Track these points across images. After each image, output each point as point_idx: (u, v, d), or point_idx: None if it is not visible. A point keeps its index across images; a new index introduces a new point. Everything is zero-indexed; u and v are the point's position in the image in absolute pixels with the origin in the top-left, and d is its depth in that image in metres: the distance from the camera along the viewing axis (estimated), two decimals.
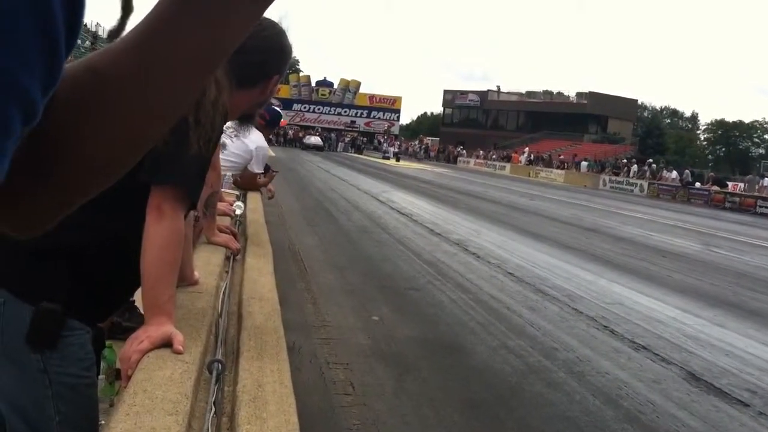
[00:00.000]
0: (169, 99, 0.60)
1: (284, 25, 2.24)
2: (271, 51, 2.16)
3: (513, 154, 63.43)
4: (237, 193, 5.65)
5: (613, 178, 45.85)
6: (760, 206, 32.00)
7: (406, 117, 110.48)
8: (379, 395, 4.44)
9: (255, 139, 5.91)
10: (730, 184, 41.40)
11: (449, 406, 4.44)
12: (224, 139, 5.64)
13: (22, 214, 0.60)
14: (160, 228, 1.83)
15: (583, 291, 8.34)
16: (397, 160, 57.14)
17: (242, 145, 5.74)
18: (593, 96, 76.20)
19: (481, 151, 68.06)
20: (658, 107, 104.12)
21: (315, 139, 68.44)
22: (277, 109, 6.83)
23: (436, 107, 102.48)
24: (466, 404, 4.53)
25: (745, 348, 6.40)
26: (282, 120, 6.56)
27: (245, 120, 2.44)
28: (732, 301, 8.68)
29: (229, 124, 5.98)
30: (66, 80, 0.56)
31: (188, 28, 0.57)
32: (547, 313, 7.05)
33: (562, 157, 59.27)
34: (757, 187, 37.95)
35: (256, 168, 6.12)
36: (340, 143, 71.37)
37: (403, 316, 6.58)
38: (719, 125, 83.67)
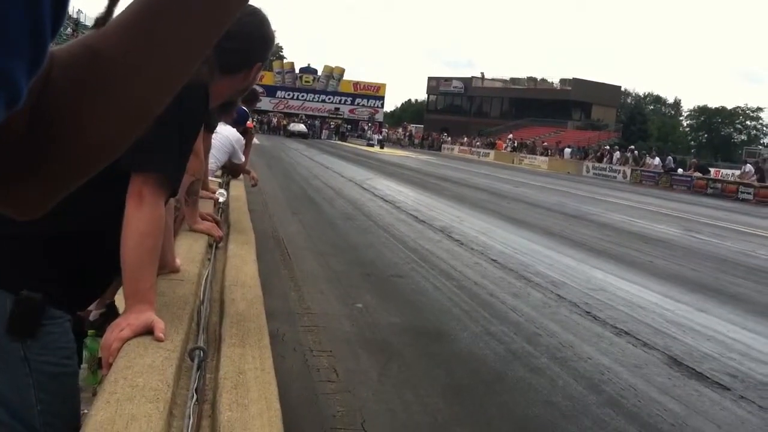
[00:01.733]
0: (165, 77, 0.61)
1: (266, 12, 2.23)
2: (254, 38, 2.16)
3: (497, 141, 63.49)
4: (220, 180, 5.65)
5: (597, 164, 46.03)
6: (742, 192, 32.22)
7: (391, 104, 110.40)
8: (363, 382, 4.46)
9: (231, 133, 6.05)
10: (712, 170, 41.66)
11: (433, 393, 4.46)
12: None
13: (21, 196, 0.60)
14: (141, 215, 1.82)
15: (566, 277, 8.38)
16: (382, 147, 57.11)
17: (224, 139, 5.88)
18: (577, 83, 76.38)
19: (466, 138, 68.08)
20: (641, 94, 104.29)
21: (300, 126, 66.95)
22: (245, 110, 6.95)
23: (421, 94, 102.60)
24: (449, 390, 4.56)
25: (726, 333, 6.45)
26: (249, 122, 6.65)
27: (227, 107, 2.43)
28: (713, 287, 8.75)
29: None
30: (64, 60, 0.56)
31: (182, 8, 0.57)
32: (530, 300, 7.09)
33: (545, 143, 59.40)
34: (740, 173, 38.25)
35: (239, 158, 6.29)
36: (324, 130, 71.21)
37: (387, 303, 6.60)
38: (702, 111, 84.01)
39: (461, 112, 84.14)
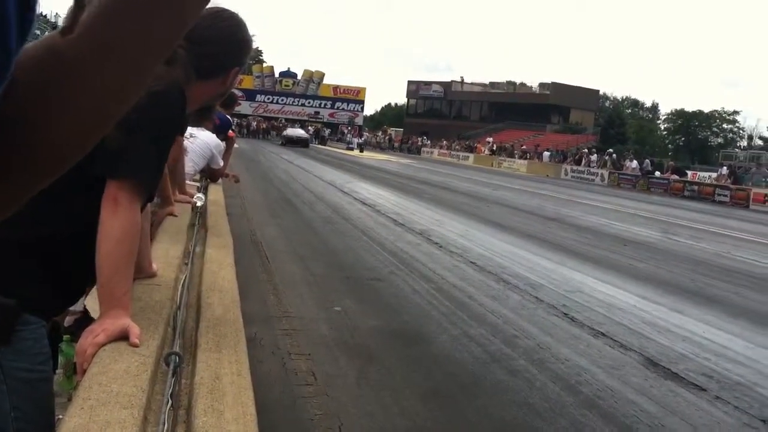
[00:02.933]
0: (127, 78, 0.61)
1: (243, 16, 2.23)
2: (231, 42, 2.16)
3: (476, 145, 63.71)
4: (198, 185, 5.64)
5: (575, 167, 46.31)
6: (718, 194, 32.54)
7: (371, 108, 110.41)
8: (341, 385, 4.46)
9: (210, 138, 6.08)
10: (689, 173, 42.05)
11: (411, 396, 4.47)
12: (184, 142, 5.71)
13: None
14: (116, 221, 1.82)
15: (545, 279, 8.43)
16: (361, 150, 57.06)
17: (203, 144, 5.91)
18: (555, 86, 76.81)
19: (445, 142, 68.27)
20: (619, 97, 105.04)
21: (299, 132, 58.21)
22: (229, 118, 6.99)
23: (400, 98, 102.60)
24: (428, 393, 4.57)
25: (702, 333, 6.52)
26: (230, 131, 6.67)
27: (205, 112, 2.43)
28: (690, 288, 8.83)
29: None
30: (26, 61, 0.57)
31: (141, 9, 0.58)
32: (508, 302, 7.12)
33: (524, 147, 59.71)
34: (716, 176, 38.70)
35: (218, 163, 6.32)
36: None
37: (366, 306, 6.61)
38: (679, 115, 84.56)
39: (441, 115, 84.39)
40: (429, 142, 70.92)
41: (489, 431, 4.13)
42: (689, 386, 4.99)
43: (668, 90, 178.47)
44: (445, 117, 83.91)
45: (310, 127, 72.88)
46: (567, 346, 5.74)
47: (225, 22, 2.13)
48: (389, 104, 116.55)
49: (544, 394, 4.62)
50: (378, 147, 70.57)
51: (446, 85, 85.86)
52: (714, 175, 40.58)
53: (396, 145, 73.44)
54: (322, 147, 61.43)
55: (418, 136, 74.38)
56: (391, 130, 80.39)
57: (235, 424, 1.46)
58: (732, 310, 7.71)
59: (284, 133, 58.75)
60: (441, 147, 66.44)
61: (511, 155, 56.87)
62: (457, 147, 65.23)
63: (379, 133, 79.40)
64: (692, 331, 6.58)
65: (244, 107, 70.66)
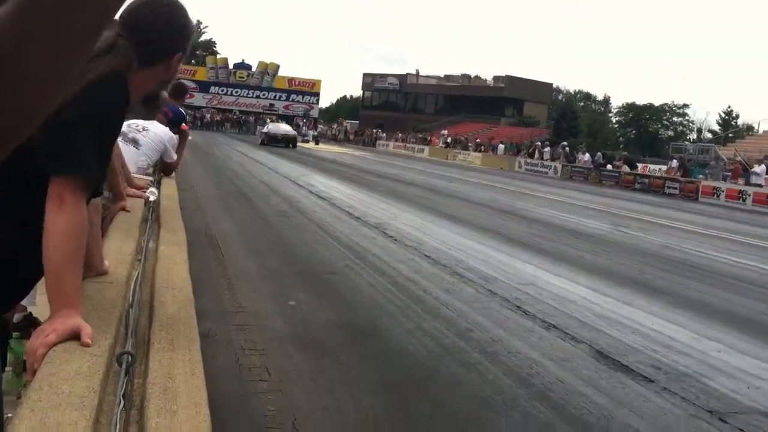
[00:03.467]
0: (48, 72, 0.61)
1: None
2: (172, 28, 2.15)
3: (431, 137, 63.95)
4: (151, 179, 5.59)
5: (529, 160, 46.76)
6: (668, 187, 33.14)
7: (326, 100, 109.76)
8: (296, 381, 4.47)
9: (163, 131, 6.02)
10: (639, 165, 42.71)
11: (366, 390, 4.50)
12: (136, 135, 5.64)
13: None
14: (61, 217, 1.80)
15: (498, 272, 8.52)
16: (317, 143, 56.96)
17: (155, 137, 5.85)
18: (510, 80, 77.47)
19: (400, 134, 68.38)
20: (572, 91, 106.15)
21: (283, 128, 47.52)
22: (183, 112, 6.93)
23: (356, 90, 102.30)
24: (382, 387, 4.60)
25: (651, 325, 6.65)
26: (184, 124, 6.62)
27: (151, 101, 2.41)
28: (639, 280, 9.00)
29: (138, 122, 5.94)
30: None
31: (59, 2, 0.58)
32: (462, 295, 7.19)
33: (479, 140, 60.07)
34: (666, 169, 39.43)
35: (171, 157, 6.27)
36: (258, 127, 70.49)
37: (321, 300, 6.62)
38: (630, 108, 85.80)
39: (396, 108, 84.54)
40: (384, 134, 70.98)
41: (442, 425, 4.18)
42: (638, 378, 5.10)
43: (620, 83, 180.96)
44: (400, 110, 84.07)
45: (267, 120, 72.43)
46: (519, 339, 5.82)
47: (165, 7, 2.12)
48: (345, 96, 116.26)
49: (496, 387, 4.69)
50: (333, 139, 70.44)
51: (402, 78, 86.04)
52: (664, 167, 41.29)
53: (351, 137, 73.37)
54: None
55: (373, 128, 74.40)
56: (347, 123, 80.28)
57: (188, 424, 1.47)
58: (679, 301, 7.88)
59: (264, 129, 46.81)
60: (396, 139, 66.54)
61: (466, 148, 57.20)
62: (412, 140, 65.39)
63: (335, 126, 79.22)
64: (641, 323, 6.71)
65: (198, 99, 69.94)
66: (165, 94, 8.15)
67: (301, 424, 3.80)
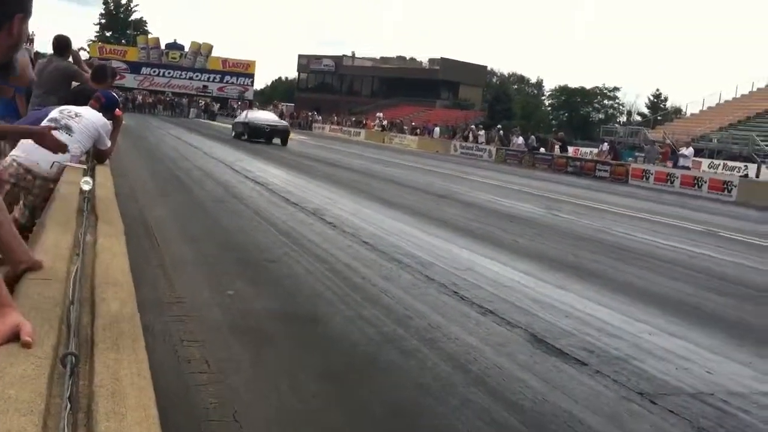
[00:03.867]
0: None
1: None
2: None
3: (366, 120, 63.95)
4: (85, 167, 5.49)
5: (464, 143, 47.21)
6: (599, 170, 33.87)
7: (261, 82, 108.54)
8: (236, 371, 4.47)
9: (96, 118, 5.91)
10: (571, 148, 43.54)
11: (306, 379, 4.53)
12: (69, 122, 5.52)
13: None
14: None
15: (435, 258, 8.61)
16: None
17: (89, 123, 5.74)
18: (445, 62, 77.89)
19: (336, 117, 68.18)
20: (506, 73, 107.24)
21: (268, 116, 37.48)
22: (116, 97, 6.81)
23: (291, 72, 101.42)
24: (323, 375, 4.64)
25: (584, 309, 6.82)
26: (117, 110, 6.50)
27: (3, 69, 2.28)
28: (572, 264, 9.21)
29: (70, 108, 5.82)
30: None
31: None
32: (400, 282, 7.26)
33: (414, 123, 60.34)
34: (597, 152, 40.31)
35: (106, 144, 6.17)
36: (192, 109, 69.46)
37: (259, 288, 6.61)
38: (562, 91, 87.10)
39: (332, 90, 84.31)
40: (320, 117, 70.67)
41: (383, 412, 4.24)
42: (571, 361, 5.24)
43: (553, 66, 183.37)
44: (336, 92, 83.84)
45: (201, 102, 71.30)
46: (457, 325, 5.91)
47: None
48: (280, 78, 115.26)
49: (435, 374, 4.77)
50: None
51: (337, 60, 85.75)
52: (595, 150, 42.17)
53: (287, 120, 72.78)
54: (212, 122, 60.29)
55: (309, 111, 73.99)
56: (282, 105, 79.60)
57: (138, 427, 1.47)
58: (611, 284, 8.11)
59: (242, 118, 35.86)
60: (332, 122, 66.35)
61: (402, 131, 57.40)
62: (348, 123, 65.27)
63: (270, 108, 78.48)
64: (575, 306, 6.88)
65: (129, 80, 68.54)
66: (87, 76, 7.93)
67: (242, 415, 3.80)
